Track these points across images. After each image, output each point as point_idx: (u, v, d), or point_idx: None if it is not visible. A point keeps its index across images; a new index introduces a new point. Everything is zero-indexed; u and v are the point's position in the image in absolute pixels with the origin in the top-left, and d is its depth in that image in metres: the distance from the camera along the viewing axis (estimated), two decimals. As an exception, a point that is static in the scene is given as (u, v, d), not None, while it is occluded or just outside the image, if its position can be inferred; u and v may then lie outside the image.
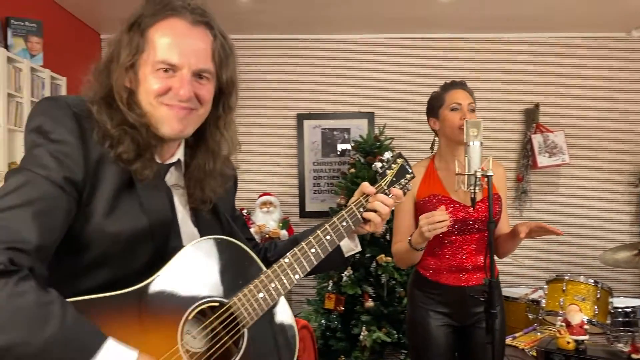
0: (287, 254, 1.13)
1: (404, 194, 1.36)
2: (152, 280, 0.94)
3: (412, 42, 4.36)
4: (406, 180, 1.38)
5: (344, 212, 1.24)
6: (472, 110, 2.02)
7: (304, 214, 4.25)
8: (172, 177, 1.06)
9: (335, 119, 4.33)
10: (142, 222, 0.95)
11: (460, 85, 2.07)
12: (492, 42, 4.37)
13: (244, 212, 3.94)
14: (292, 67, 4.32)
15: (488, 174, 1.80)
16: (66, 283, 0.89)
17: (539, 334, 3.22)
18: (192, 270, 0.99)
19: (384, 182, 1.33)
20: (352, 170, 3.62)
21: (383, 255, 3.34)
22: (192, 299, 0.98)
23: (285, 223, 3.87)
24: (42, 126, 0.89)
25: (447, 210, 2.00)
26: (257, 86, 4.28)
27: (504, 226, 2.11)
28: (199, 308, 0.99)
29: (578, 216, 4.32)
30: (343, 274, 3.39)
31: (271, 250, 1.32)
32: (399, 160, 1.39)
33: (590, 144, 4.37)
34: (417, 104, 4.35)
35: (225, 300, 1.03)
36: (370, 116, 4.31)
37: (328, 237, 1.18)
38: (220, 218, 1.15)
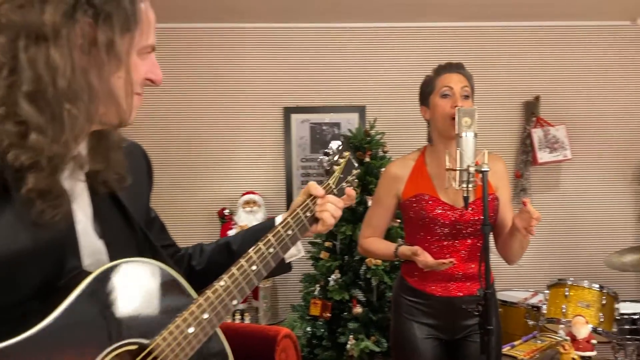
0: (224, 275, 0.92)
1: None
2: (46, 324, 0.71)
3: (406, 31, 4.13)
4: (353, 177, 1.23)
5: (289, 218, 1.06)
6: (467, 97, 1.80)
7: (291, 213, 4.02)
8: (69, 177, 0.82)
9: (325, 113, 4.10)
10: (21, 242, 0.71)
11: (455, 67, 1.84)
12: (490, 31, 4.14)
13: (226, 211, 3.72)
14: (278, 57, 4.09)
15: (483, 170, 1.58)
16: None
17: (539, 342, 2.99)
18: (100, 305, 0.76)
19: (332, 181, 1.18)
20: (340, 166, 3.39)
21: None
22: (101, 345, 0.75)
23: (269, 223, 3.63)
24: None
25: (435, 212, 1.79)
26: (240, 78, 4.05)
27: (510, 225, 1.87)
28: (112, 355, 0.77)
29: (580, 214, 4.10)
30: (330, 278, 3.17)
31: (196, 257, 1.11)
32: (346, 154, 1.23)
33: (592, 138, 4.14)
34: (410, 97, 4.12)
35: (146, 342, 0.80)
36: (361, 110, 4.09)
37: (272, 249, 0.99)
38: (133, 225, 0.91)
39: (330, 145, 1.25)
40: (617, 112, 4.14)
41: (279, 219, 1.13)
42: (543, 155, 4.10)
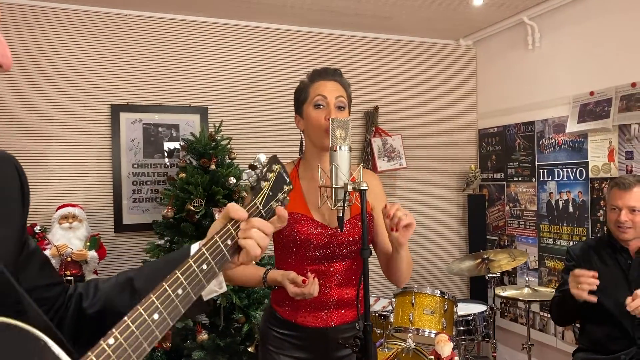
0: (114, 330, 0.68)
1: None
2: None
3: (250, 30, 3.90)
4: (284, 195, 1.06)
5: (203, 248, 0.86)
6: (342, 107, 1.64)
7: (120, 227, 3.48)
8: None
9: (161, 113, 3.66)
10: None
11: (331, 74, 1.67)
12: (335, 39, 4.14)
13: (37, 228, 3.05)
14: (105, 46, 3.52)
15: (361, 188, 1.43)
16: None
17: (386, 350, 3.04)
18: None
19: (260, 199, 0.98)
20: (183, 175, 3.02)
21: (219, 277, 2.82)
22: None
23: (94, 241, 3.08)
24: None
25: (308, 233, 1.60)
26: (57, 68, 3.39)
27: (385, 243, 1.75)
28: None
29: (416, 220, 4.33)
30: (170, 302, 2.78)
31: (89, 297, 0.89)
32: (276, 167, 1.04)
33: (423, 148, 4.43)
34: (256, 100, 3.94)
35: None
36: (203, 111, 3.74)
37: (180, 291, 0.78)
38: None
39: (257, 157, 1.05)
40: (442, 124, 4.49)
41: (195, 248, 0.94)
42: (382, 164, 4.24)
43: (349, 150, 1.51)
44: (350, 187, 1.44)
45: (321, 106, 1.61)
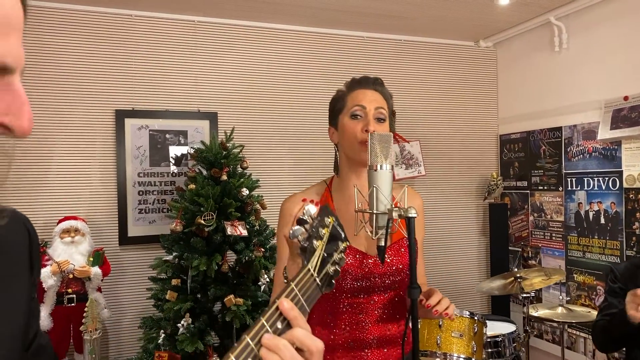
0: None
1: (335, 274, 0.80)
2: None
3: (261, 31, 3.70)
4: (340, 255, 0.83)
5: None
6: (382, 120, 1.45)
7: (125, 240, 3.29)
8: None
9: (168, 119, 3.46)
10: None
11: (372, 83, 1.49)
12: (349, 40, 3.93)
13: (36, 243, 2.86)
14: (109, 48, 3.33)
15: (410, 215, 1.22)
16: None
17: (410, 373, 2.85)
18: None
19: (314, 263, 0.76)
20: (192, 186, 2.82)
21: (232, 296, 2.62)
22: None
23: (98, 256, 2.89)
24: None
25: (345, 262, 1.41)
26: (58, 71, 3.20)
27: (418, 277, 1.57)
28: None
29: (435, 231, 4.13)
30: (179, 324, 2.59)
31: None
32: (329, 221, 0.82)
33: (442, 154, 4.22)
34: (269, 105, 3.75)
35: None
36: (212, 117, 3.54)
37: None
38: None
39: (306, 209, 0.83)
40: (461, 129, 4.28)
41: None
42: (399, 172, 4.05)
43: (392, 169, 1.32)
44: (395, 214, 1.23)
45: (359, 117, 1.42)
